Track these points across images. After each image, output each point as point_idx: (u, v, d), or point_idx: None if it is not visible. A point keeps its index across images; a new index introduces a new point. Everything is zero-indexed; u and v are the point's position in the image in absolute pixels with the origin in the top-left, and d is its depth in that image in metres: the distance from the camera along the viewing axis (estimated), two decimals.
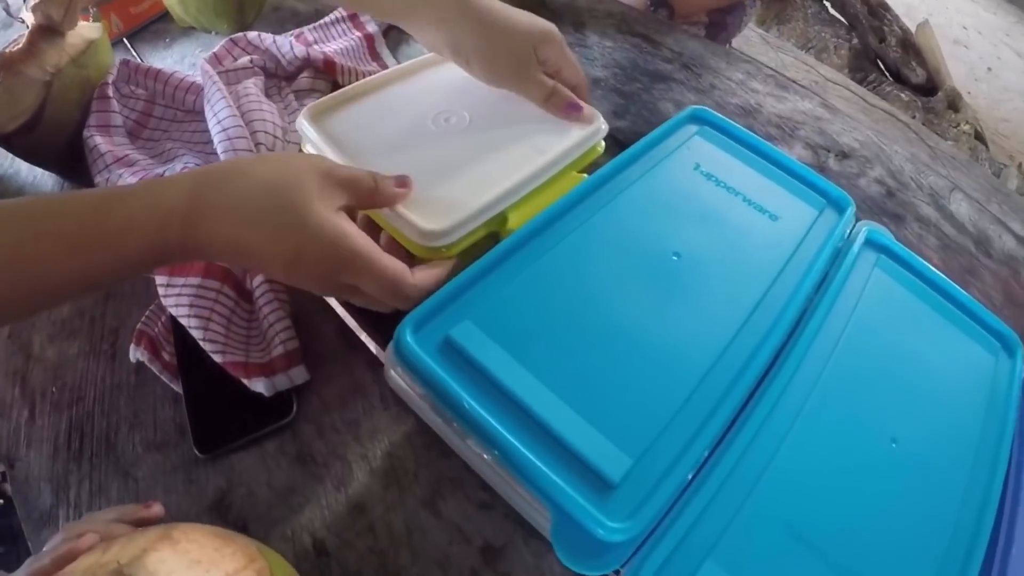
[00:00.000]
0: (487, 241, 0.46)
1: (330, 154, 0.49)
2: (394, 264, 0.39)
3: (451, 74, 0.54)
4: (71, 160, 0.59)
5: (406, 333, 0.37)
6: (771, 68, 0.84)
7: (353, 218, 0.41)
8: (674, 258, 0.46)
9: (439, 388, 0.36)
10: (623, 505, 0.33)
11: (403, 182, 0.43)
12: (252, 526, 0.43)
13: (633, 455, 0.35)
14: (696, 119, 0.58)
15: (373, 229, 0.45)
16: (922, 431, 0.44)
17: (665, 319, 0.42)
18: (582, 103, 0.52)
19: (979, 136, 1.47)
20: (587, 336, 0.40)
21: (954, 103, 1.39)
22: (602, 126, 0.53)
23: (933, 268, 0.55)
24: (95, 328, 0.53)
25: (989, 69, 1.72)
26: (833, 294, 0.47)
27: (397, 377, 0.39)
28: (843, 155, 0.74)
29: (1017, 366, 0.50)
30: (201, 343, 0.46)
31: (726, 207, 0.50)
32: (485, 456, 0.36)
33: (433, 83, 0.56)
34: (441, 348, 0.38)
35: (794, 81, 0.83)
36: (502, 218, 0.46)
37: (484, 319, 0.39)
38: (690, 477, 0.36)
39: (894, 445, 0.42)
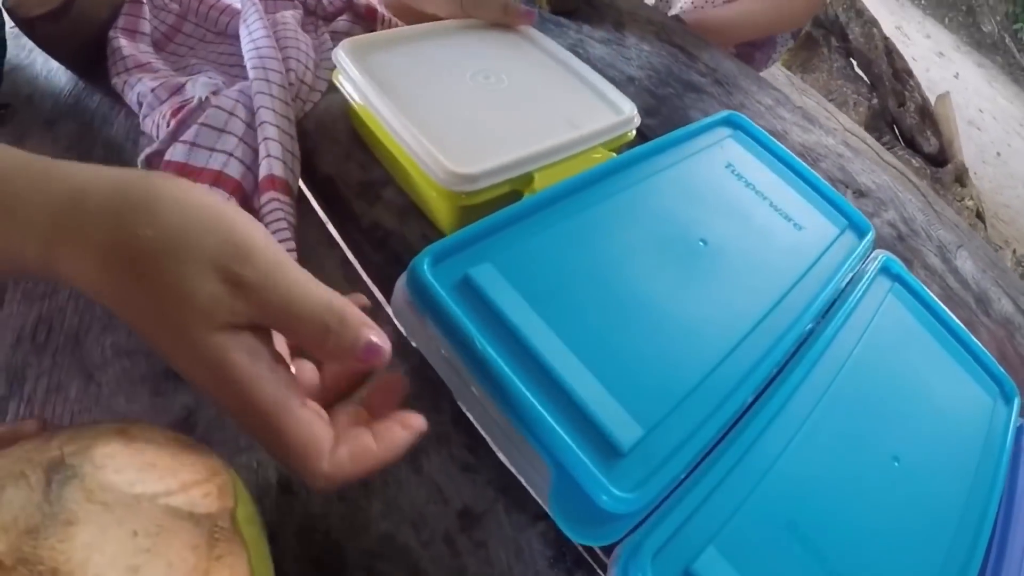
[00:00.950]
0: (505, 200, 0.44)
1: (365, 87, 0.47)
2: (306, 433, 0.25)
3: (495, 38, 0.53)
4: (92, 59, 0.56)
5: (423, 264, 0.35)
6: (800, 104, 0.83)
7: None
8: (700, 244, 0.44)
9: (452, 325, 0.33)
10: (630, 475, 0.30)
11: (374, 354, 0.27)
12: (216, 450, 0.39)
13: (645, 426, 0.32)
14: (731, 123, 0.56)
15: None
16: (922, 455, 0.43)
17: (687, 300, 0.40)
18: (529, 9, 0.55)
19: (979, 215, 1.49)
20: (609, 302, 0.38)
21: (961, 178, 1.40)
22: (636, 116, 0.52)
23: (943, 305, 0.54)
24: None
25: (998, 154, 1.75)
26: (848, 310, 0.47)
27: (406, 309, 0.36)
28: (860, 193, 0.73)
29: (1012, 413, 0.50)
30: None
31: (753, 207, 0.49)
32: (490, 403, 0.33)
33: (475, 42, 0.54)
34: (458, 286, 0.35)
35: (819, 119, 0.83)
36: (528, 178, 0.44)
37: (506, 265, 0.36)
38: (698, 460, 0.34)
39: (896, 464, 0.41)
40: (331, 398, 0.31)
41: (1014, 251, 1.49)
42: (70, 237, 0.23)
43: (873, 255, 0.53)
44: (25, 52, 0.60)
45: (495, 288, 0.35)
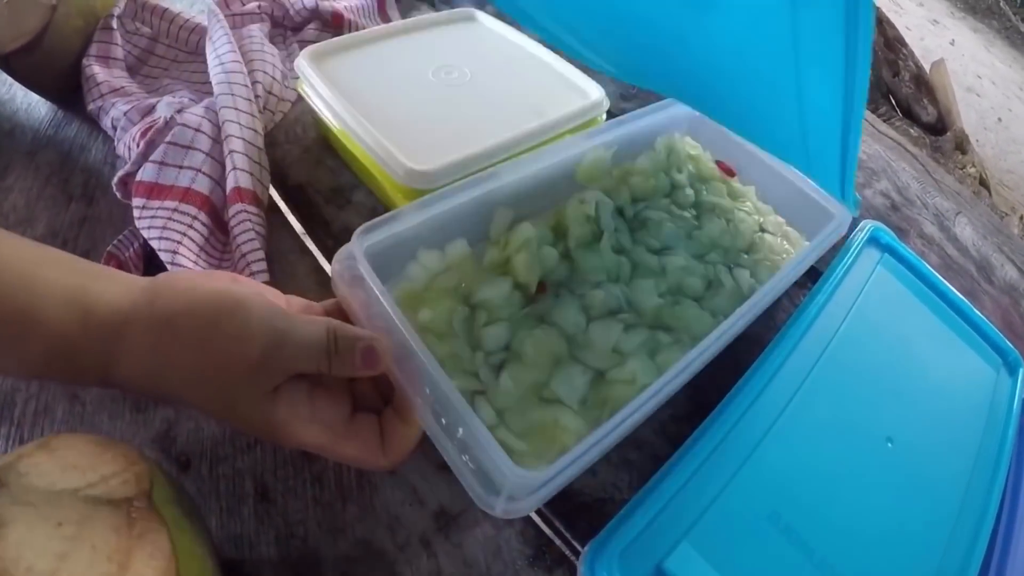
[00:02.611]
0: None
1: (326, 93, 0.45)
2: (357, 451, 0.31)
3: (457, 33, 0.51)
4: (68, 88, 0.56)
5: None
6: None
7: None
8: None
9: None
10: None
11: (371, 358, 0.30)
12: (195, 462, 0.38)
13: None
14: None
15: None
16: (919, 434, 0.40)
17: None
18: None
19: (983, 182, 1.43)
20: None
21: (962, 145, 1.35)
22: (604, 99, 0.50)
23: (937, 275, 0.51)
24: (66, 249, 0.49)
25: (999, 120, 1.68)
26: (834, 283, 0.44)
27: None
28: None
29: (1017, 385, 0.47)
30: (168, 267, 0.42)
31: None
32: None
33: (438, 39, 0.52)
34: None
35: None
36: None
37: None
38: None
39: (889, 445, 0.38)
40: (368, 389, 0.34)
41: (1021, 217, 1.43)
42: (117, 366, 0.28)
43: (861, 225, 0.50)
44: (5, 87, 0.60)
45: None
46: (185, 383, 0.28)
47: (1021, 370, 0.48)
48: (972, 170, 1.34)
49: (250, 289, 0.30)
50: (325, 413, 0.30)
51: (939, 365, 0.45)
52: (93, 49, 0.56)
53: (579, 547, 0.36)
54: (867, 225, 0.50)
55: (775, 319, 0.50)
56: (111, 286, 0.28)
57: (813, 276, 0.47)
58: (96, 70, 0.54)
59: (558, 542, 0.36)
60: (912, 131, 1.34)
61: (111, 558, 0.21)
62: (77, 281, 0.28)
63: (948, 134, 1.34)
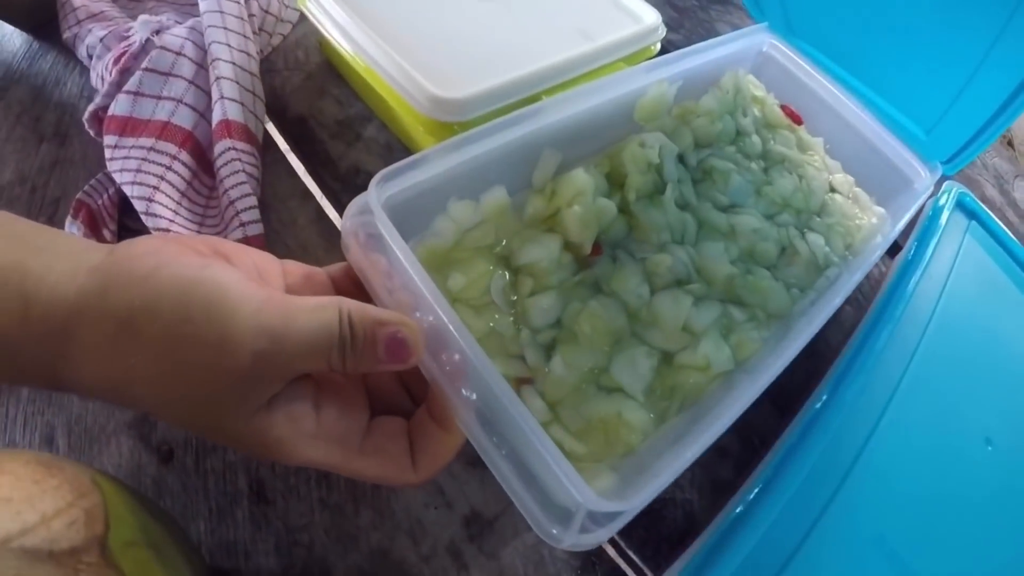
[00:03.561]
0: None
1: (333, 8, 0.37)
2: (380, 470, 0.24)
3: None
4: (43, 16, 0.47)
5: None
6: None
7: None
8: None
9: None
10: None
11: (398, 348, 0.23)
12: (179, 452, 0.32)
13: None
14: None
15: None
16: (1019, 433, 0.34)
17: None
18: None
19: (1011, 143, 1.35)
20: None
21: None
22: (660, 25, 0.42)
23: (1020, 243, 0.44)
24: (35, 197, 0.41)
25: None
26: (924, 262, 0.36)
27: None
28: None
29: None
30: (143, 217, 0.34)
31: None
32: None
33: None
34: None
35: None
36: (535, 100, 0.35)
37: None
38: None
39: (989, 448, 0.32)
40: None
41: None
42: (67, 369, 0.21)
43: (945, 188, 0.43)
44: None
45: None
46: (153, 398, 0.21)
47: None
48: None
49: (231, 270, 0.22)
50: (336, 424, 0.23)
51: None
52: None
53: (633, 556, 0.30)
54: (952, 188, 0.43)
55: (863, 305, 0.43)
56: (56, 263, 0.21)
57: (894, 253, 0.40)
58: None
59: (611, 552, 0.30)
60: None
61: None
62: (13, 257, 0.21)
63: None
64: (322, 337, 0.22)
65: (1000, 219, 0.60)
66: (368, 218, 0.26)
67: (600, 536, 0.21)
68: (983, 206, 0.44)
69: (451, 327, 0.23)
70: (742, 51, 0.43)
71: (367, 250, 0.26)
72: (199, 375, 0.21)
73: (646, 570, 0.29)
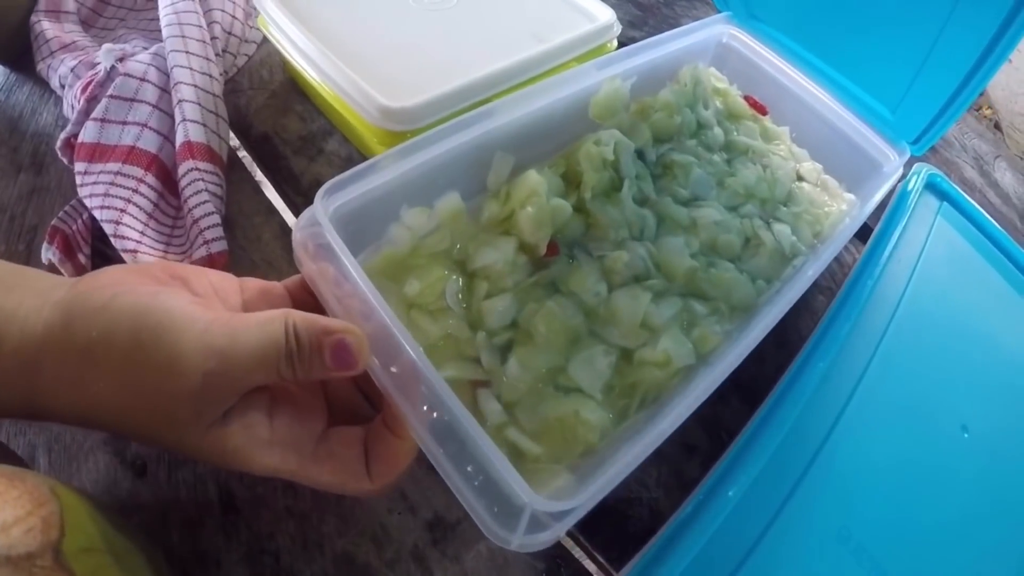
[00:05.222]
0: None
1: (287, 25, 0.36)
2: (333, 476, 0.24)
3: None
4: (18, 49, 0.47)
5: None
6: None
7: None
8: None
9: None
10: None
11: (344, 354, 0.22)
12: (152, 466, 0.31)
13: None
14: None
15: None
16: (996, 418, 0.32)
17: None
18: None
19: (997, 125, 1.32)
20: None
21: None
22: (615, 23, 0.41)
23: (994, 223, 0.43)
24: (13, 225, 0.41)
25: (1010, 61, 1.56)
26: (891, 245, 0.35)
27: None
28: None
29: None
30: (111, 239, 0.34)
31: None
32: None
33: None
34: None
35: None
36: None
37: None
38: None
39: (965, 435, 0.31)
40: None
41: None
42: (41, 399, 0.22)
43: (915, 169, 0.41)
44: None
45: None
46: (118, 421, 0.22)
47: None
48: (988, 111, 1.23)
49: (180, 295, 0.23)
50: (289, 431, 0.23)
51: (1012, 337, 0.37)
52: (42, 3, 0.48)
53: (599, 556, 0.29)
54: (922, 169, 0.41)
55: (818, 282, 0.42)
56: (25, 299, 0.22)
57: (865, 237, 0.38)
58: (45, 26, 0.46)
59: (577, 553, 0.29)
60: None
61: None
62: None
63: None
64: (268, 350, 0.22)
65: (980, 200, 0.59)
66: (316, 229, 0.26)
67: (548, 536, 0.20)
68: (956, 187, 0.42)
69: (397, 334, 0.23)
70: (702, 43, 0.42)
71: (317, 260, 0.25)
72: (153, 398, 0.21)
73: (611, 570, 0.28)
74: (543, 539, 0.20)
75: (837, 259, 0.42)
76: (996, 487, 0.30)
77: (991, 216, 0.57)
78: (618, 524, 0.30)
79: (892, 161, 0.38)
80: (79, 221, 0.38)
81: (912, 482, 0.28)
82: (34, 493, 0.20)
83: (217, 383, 0.21)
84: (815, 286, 0.40)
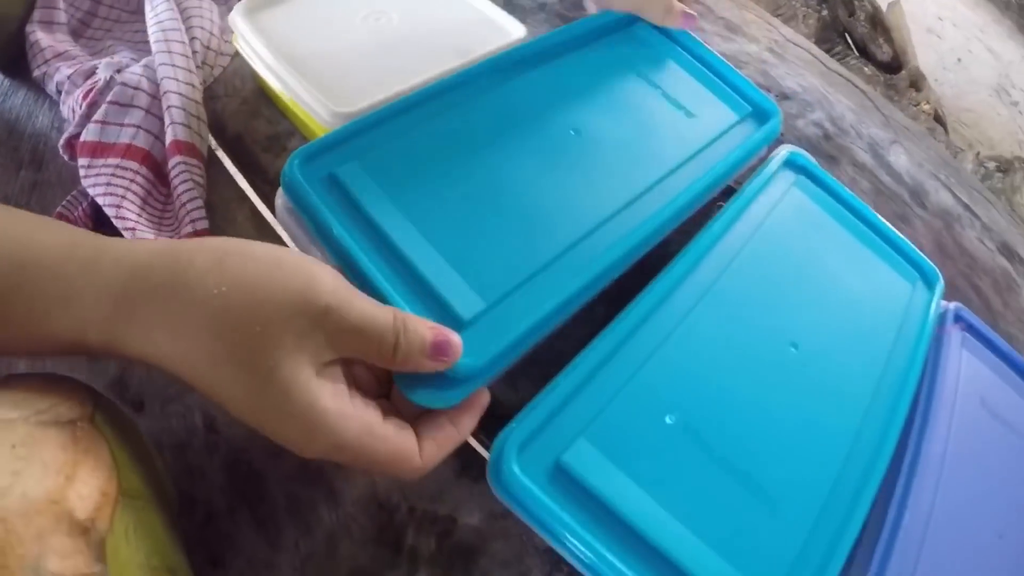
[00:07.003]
0: None
1: (255, 43, 0.44)
2: (395, 446, 0.25)
3: None
4: (13, 57, 0.54)
5: (293, 165, 0.33)
6: (726, 16, 0.78)
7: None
8: (571, 133, 0.41)
9: (317, 221, 0.32)
10: (468, 343, 0.28)
11: (442, 349, 0.26)
12: (148, 403, 0.39)
13: (488, 300, 0.31)
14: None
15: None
16: (825, 341, 0.40)
17: (553, 187, 0.38)
18: (692, 12, 0.49)
19: (939, 119, 1.41)
20: (470, 192, 0.36)
21: (917, 83, 1.32)
22: (525, 37, 0.49)
23: (853, 194, 0.51)
24: None
25: (959, 60, 1.64)
26: (744, 200, 0.43)
27: (285, 214, 0.35)
28: (783, 96, 0.69)
29: (935, 298, 0.46)
30: (113, 220, 0.42)
31: (641, 96, 0.46)
32: None
33: None
34: (325, 184, 0.33)
35: (744, 28, 0.77)
36: None
37: (373, 163, 0.35)
38: (540, 328, 0.32)
39: (793, 350, 0.38)
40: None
41: (977, 153, 1.42)
42: (136, 317, 0.23)
43: (777, 149, 0.50)
44: None
45: (359, 185, 0.33)
46: (210, 351, 0.23)
47: (938, 285, 0.47)
48: (927, 107, 1.32)
49: None
50: (365, 407, 0.25)
51: (850, 277, 0.44)
52: (36, 15, 0.54)
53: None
54: (782, 149, 0.50)
55: (689, 233, 0.50)
56: (127, 243, 0.24)
57: (728, 196, 0.46)
58: (40, 36, 0.53)
59: (484, 453, 0.37)
60: (866, 69, 1.31)
61: (59, 471, 0.22)
62: (78, 237, 0.24)
63: (903, 72, 1.32)
64: (379, 323, 0.25)
65: (871, 180, 0.67)
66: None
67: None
68: (814, 161, 0.50)
69: None
70: None
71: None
72: (280, 311, 0.22)
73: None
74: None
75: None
76: (817, 393, 0.37)
77: (882, 192, 0.66)
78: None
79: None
80: (81, 207, 0.46)
81: (742, 381, 0.35)
82: (74, 387, 0.27)
83: (334, 321, 0.23)
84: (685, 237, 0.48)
